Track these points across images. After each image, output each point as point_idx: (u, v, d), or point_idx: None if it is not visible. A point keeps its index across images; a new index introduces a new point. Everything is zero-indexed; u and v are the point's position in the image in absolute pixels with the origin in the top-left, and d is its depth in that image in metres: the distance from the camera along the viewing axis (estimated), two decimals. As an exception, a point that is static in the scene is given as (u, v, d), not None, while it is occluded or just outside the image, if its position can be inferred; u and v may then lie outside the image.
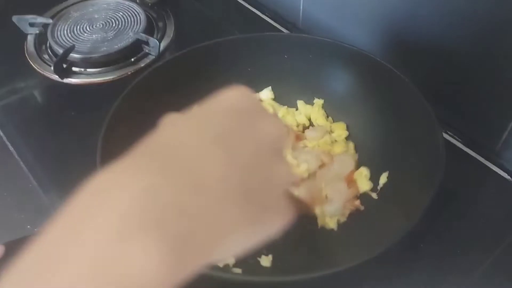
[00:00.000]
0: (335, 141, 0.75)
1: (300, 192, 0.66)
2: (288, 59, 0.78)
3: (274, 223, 0.33)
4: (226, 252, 0.31)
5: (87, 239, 0.25)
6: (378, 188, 0.68)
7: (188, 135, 0.31)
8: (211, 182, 0.28)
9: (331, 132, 0.76)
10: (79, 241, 0.25)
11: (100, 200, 0.26)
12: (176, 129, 0.31)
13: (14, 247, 0.48)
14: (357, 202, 0.67)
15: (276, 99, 0.79)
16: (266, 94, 0.79)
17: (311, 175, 0.70)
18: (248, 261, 0.62)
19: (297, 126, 0.77)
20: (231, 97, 0.34)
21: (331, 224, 0.65)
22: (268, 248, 0.63)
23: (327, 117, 0.77)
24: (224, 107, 0.33)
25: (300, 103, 0.79)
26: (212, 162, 0.29)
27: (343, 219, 0.66)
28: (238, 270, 0.60)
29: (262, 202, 0.32)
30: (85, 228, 0.25)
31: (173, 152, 0.29)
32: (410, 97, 0.66)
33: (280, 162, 0.34)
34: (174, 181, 0.27)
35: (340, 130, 0.76)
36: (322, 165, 0.71)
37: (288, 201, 0.34)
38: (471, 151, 0.75)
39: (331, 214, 0.66)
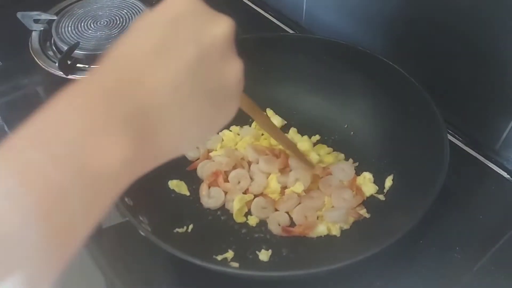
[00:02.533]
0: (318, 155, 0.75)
1: (294, 215, 0.66)
2: (302, 60, 0.78)
3: (226, 116, 0.38)
4: (188, 143, 0.36)
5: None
6: (385, 191, 0.68)
7: (132, 51, 0.34)
8: (166, 91, 0.32)
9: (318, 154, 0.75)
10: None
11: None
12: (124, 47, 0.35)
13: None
14: (363, 211, 0.67)
15: (286, 102, 0.79)
16: (277, 121, 0.78)
17: (309, 190, 0.70)
18: (246, 256, 0.62)
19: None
20: (174, 4, 0.35)
21: (334, 230, 0.65)
22: (268, 243, 0.64)
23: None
24: (167, 15, 0.35)
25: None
26: (161, 72, 0.32)
27: (346, 227, 0.66)
28: (235, 264, 0.60)
29: (217, 99, 0.35)
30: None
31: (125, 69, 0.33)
32: (417, 98, 0.66)
33: (230, 61, 0.36)
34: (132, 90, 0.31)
35: (323, 150, 0.75)
36: (315, 179, 0.71)
37: (238, 93, 0.38)
38: (471, 150, 0.76)
39: (333, 220, 0.66)
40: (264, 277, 0.56)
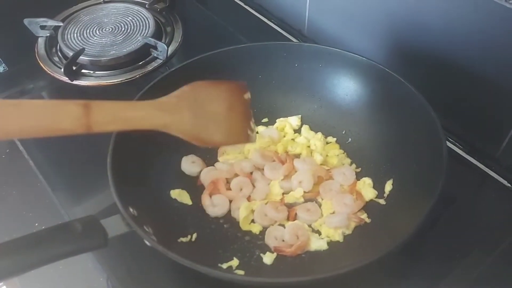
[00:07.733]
0: (327, 155, 0.75)
1: (286, 235, 0.66)
2: (299, 68, 0.79)
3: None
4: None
5: None
6: (385, 195, 0.69)
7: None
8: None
9: (326, 155, 0.76)
10: None
11: None
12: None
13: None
14: (364, 216, 0.67)
15: (284, 110, 0.81)
16: (294, 121, 0.79)
17: (309, 192, 0.71)
18: (251, 263, 0.63)
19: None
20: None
21: (336, 236, 0.65)
22: (272, 251, 0.65)
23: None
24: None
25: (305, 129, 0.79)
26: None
27: (348, 232, 0.66)
28: (241, 272, 0.61)
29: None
30: None
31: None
32: (416, 107, 0.67)
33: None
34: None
35: (334, 150, 0.76)
36: (319, 180, 0.71)
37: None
38: (472, 158, 0.77)
39: (334, 225, 0.66)
40: (269, 284, 0.57)
